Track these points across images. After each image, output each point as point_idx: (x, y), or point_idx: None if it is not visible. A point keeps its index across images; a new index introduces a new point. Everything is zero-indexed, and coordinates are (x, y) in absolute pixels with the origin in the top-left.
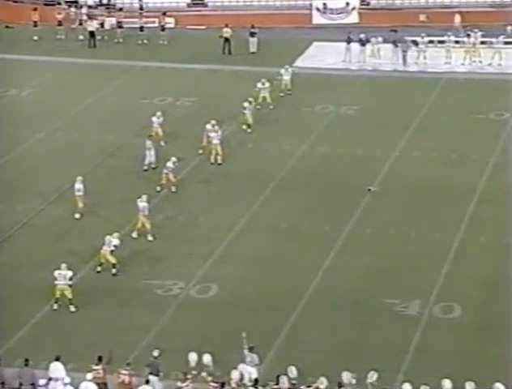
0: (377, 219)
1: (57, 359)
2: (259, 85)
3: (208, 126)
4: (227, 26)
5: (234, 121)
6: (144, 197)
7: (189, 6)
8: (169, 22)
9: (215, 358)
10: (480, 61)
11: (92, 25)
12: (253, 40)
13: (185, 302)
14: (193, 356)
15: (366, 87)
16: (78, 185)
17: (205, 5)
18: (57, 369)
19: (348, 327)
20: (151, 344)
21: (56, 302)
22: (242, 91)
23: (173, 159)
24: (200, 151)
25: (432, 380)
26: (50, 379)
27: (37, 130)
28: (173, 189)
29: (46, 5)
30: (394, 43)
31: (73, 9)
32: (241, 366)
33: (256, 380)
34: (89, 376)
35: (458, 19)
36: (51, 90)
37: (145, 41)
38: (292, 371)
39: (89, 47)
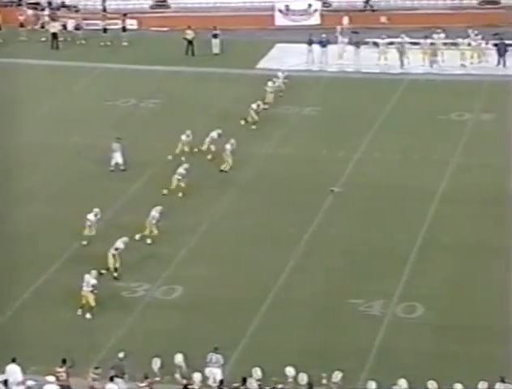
0: (340, 219)
1: (14, 361)
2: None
3: (213, 134)
4: (189, 28)
5: (198, 121)
6: (159, 208)
7: (152, 7)
8: (131, 23)
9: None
10: (433, 61)
11: (55, 26)
12: (216, 42)
13: (150, 304)
14: (156, 362)
15: (329, 89)
16: (91, 216)
17: (168, 7)
18: (13, 371)
19: (313, 327)
20: (117, 346)
21: (81, 308)
22: (206, 92)
23: (185, 165)
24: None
25: (394, 379)
26: (6, 382)
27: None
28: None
29: (7, 6)
30: (357, 44)
31: (34, 11)
32: (207, 370)
33: (221, 381)
34: (51, 378)
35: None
36: (14, 92)
37: (108, 43)
38: (257, 372)
39: (52, 49)
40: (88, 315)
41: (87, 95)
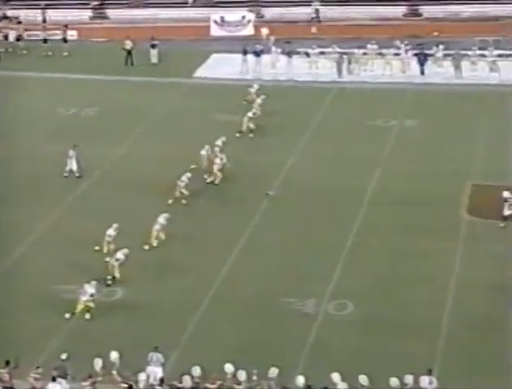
0: (275, 222)
1: None
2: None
3: (218, 142)
4: (128, 38)
5: (138, 129)
6: (166, 215)
7: (91, 18)
8: (72, 34)
9: (123, 360)
10: (368, 71)
11: None
12: (154, 52)
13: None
14: (98, 362)
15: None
16: (110, 232)
17: (106, 18)
18: None
19: (251, 326)
20: (59, 348)
21: (73, 314)
22: (145, 101)
23: (188, 174)
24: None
25: (328, 374)
26: None
27: None
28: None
29: None
30: (289, 54)
31: None
32: (148, 368)
33: (162, 379)
34: None
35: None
36: None
37: (49, 53)
38: (196, 370)
39: None
40: (88, 316)
41: (29, 104)
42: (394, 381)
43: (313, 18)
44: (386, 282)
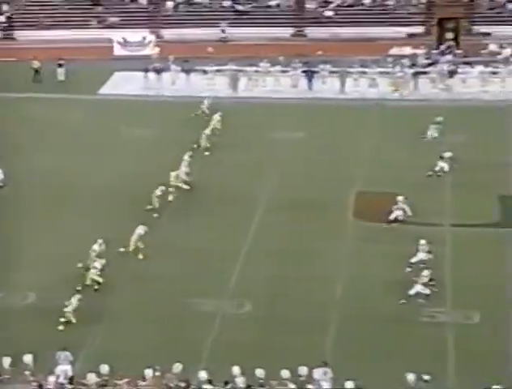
0: (176, 227)
1: None
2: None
3: (186, 157)
4: (35, 58)
5: (48, 143)
6: (144, 227)
7: None
8: None
9: (34, 359)
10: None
11: None
12: (61, 71)
13: (6, 310)
14: (6, 360)
15: (163, 111)
16: (96, 247)
17: (14, 39)
18: None
19: (156, 324)
20: None
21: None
22: (51, 116)
23: (162, 187)
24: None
25: (227, 368)
26: None
27: None
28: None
29: None
30: (187, 72)
31: None
32: (58, 368)
33: (71, 377)
34: None
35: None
36: None
37: None
38: (105, 368)
39: None
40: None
41: None
42: (285, 373)
43: (222, 37)
44: (281, 282)
